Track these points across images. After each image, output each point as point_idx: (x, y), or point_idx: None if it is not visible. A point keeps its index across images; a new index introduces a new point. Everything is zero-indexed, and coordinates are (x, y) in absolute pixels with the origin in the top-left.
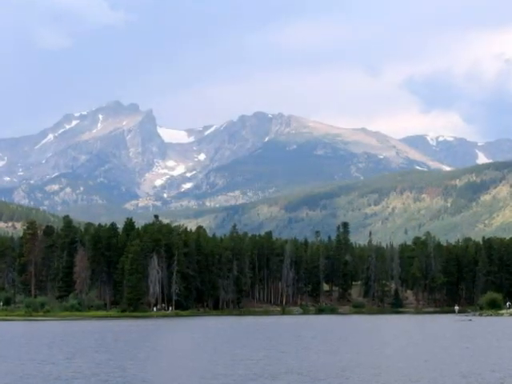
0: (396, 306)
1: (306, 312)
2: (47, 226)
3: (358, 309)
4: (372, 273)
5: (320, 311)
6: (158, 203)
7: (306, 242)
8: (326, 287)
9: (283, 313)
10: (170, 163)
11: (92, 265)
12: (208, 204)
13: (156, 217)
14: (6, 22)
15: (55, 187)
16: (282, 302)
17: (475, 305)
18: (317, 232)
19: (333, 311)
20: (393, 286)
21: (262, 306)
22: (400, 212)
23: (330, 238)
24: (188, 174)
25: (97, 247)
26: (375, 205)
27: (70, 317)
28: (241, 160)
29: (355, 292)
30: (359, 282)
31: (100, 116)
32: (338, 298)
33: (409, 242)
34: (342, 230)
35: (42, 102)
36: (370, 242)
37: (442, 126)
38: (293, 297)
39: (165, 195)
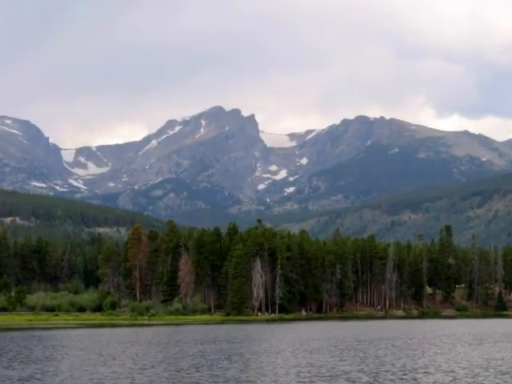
0: (500, 308)
1: (408, 315)
2: (151, 231)
3: (462, 312)
4: (475, 276)
5: (423, 314)
6: (261, 207)
7: (408, 245)
8: (428, 290)
9: (386, 316)
10: (273, 167)
11: (196, 269)
12: (311, 208)
13: (259, 221)
14: None
15: (159, 192)
16: (384, 305)
17: None
18: (420, 235)
19: (436, 314)
20: (496, 289)
21: (364, 310)
22: (503, 215)
23: (433, 241)
24: (290, 178)
25: (200, 251)
26: (478, 208)
27: (175, 321)
28: (343, 164)
29: (458, 295)
30: (462, 285)
31: (203, 121)
32: (442, 301)
33: None
34: (444, 232)
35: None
36: (473, 244)
37: None
38: (396, 300)
39: (267, 199)
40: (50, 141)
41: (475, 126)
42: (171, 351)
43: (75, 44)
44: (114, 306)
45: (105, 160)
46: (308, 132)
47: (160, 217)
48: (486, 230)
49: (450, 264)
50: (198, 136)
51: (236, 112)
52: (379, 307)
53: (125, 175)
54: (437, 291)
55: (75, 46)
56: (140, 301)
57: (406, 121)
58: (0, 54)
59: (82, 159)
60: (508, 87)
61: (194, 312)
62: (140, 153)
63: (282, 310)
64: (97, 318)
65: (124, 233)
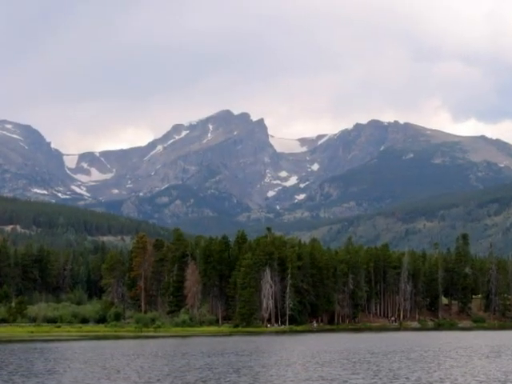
0: None
1: (423, 327)
2: (157, 240)
3: (479, 323)
4: (493, 286)
5: (439, 326)
6: (271, 215)
7: (423, 254)
8: (444, 301)
9: (400, 327)
10: (283, 174)
11: (203, 279)
12: (322, 215)
13: (269, 229)
14: None
15: (165, 199)
16: (399, 316)
17: None
18: (435, 244)
19: (452, 326)
20: None
21: (378, 321)
22: None
23: (448, 249)
24: (301, 185)
25: (208, 261)
26: (495, 215)
27: (181, 332)
28: (356, 170)
29: (475, 306)
30: (479, 296)
31: (210, 126)
32: (458, 313)
33: None
34: (461, 241)
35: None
36: (490, 253)
37: None
38: (410, 311)
39: (277, 207)
40: (52, 146)
41: (492, 131)
42: (177, 364)
43: (77, 46)
44: (118, 317)
45: (109, 166)
46: (319, 137)
47: (166, 225)
48: (503, 239)
49: (467, 274)
50: (205, 141)
51: (245, 116)
52: (393, 318)
53: (129, 182)
54: (453, 302)
55: (77, 49)
56: (145, 312)
57: (421, 125)
58: (0, 57)
59: (85, 165)
60: None
61: (201, 323)
62: (145, 158)
63: (293, 321)
64: (100, 329)
65: (128, 241)
